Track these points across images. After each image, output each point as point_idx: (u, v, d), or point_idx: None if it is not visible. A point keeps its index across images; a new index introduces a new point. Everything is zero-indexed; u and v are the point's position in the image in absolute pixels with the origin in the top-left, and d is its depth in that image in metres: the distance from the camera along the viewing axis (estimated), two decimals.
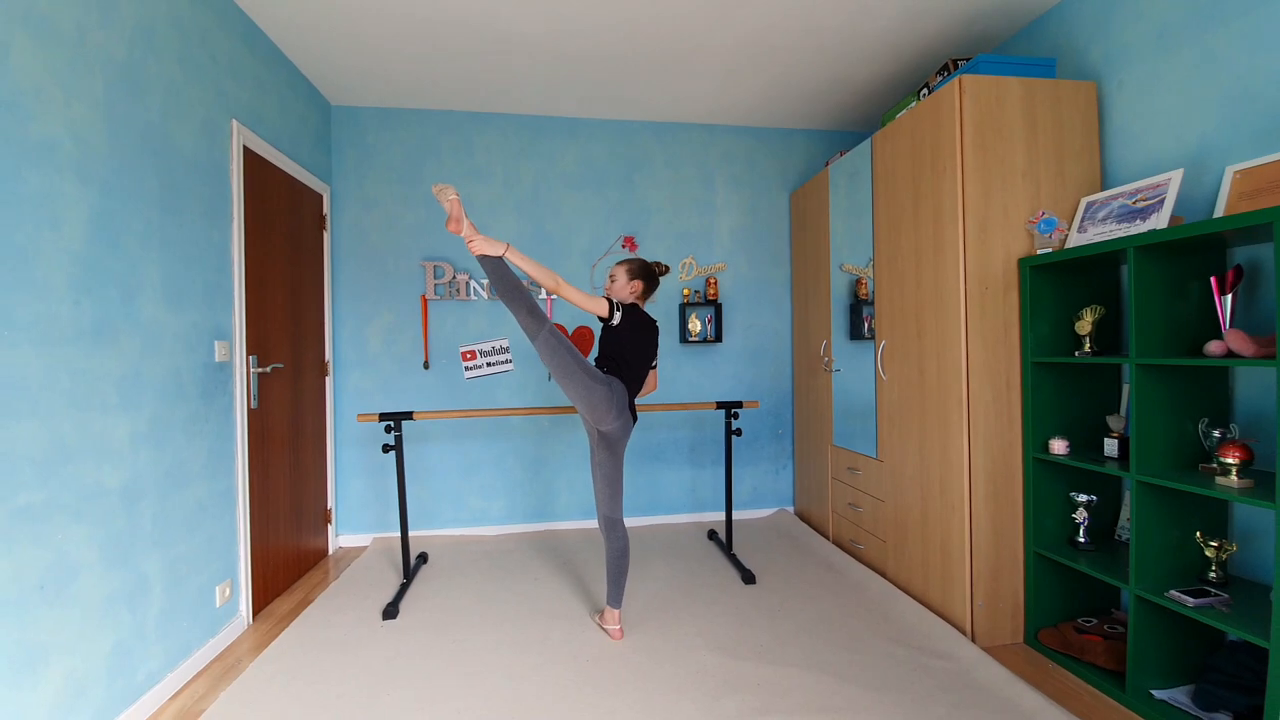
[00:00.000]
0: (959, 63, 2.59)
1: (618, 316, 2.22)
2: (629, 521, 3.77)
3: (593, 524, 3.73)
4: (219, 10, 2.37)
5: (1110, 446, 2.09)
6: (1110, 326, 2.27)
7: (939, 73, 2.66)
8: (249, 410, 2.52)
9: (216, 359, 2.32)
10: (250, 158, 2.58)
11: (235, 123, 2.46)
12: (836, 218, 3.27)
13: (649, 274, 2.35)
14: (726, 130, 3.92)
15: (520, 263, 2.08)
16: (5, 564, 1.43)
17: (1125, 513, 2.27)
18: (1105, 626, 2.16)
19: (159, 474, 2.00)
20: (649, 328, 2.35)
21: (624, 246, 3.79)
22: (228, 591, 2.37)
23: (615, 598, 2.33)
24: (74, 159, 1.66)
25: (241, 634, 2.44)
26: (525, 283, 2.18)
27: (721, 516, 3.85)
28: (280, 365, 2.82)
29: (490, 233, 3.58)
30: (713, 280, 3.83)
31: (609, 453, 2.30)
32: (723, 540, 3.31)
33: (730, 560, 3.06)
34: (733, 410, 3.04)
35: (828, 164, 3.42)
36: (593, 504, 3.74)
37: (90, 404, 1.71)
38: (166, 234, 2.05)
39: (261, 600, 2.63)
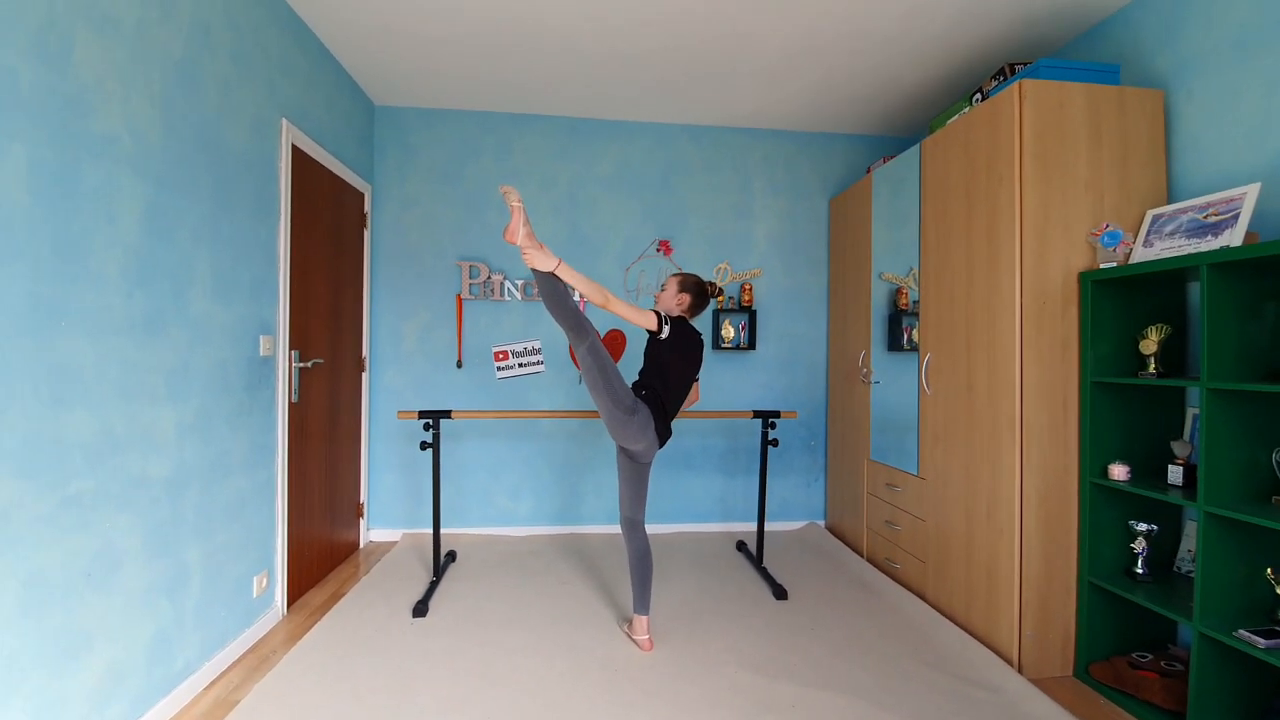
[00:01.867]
0: (1016, 67, 2.50)
1: (666, 330, 2.20)
2: (658, 527, 3.74)
3: (619, 529, 3.70)
4: (272, 9, 2.41)
5: (1174, 474, 1.98)
6: (1175, 347, 2.15)
7: (994, 77, 2.57)
8: (290, 404, 2.55)
9: (261, 353, 2.35)
10: (298, 156, 2.62)
11: (285, 121, 2.49)
12: (879, 225, 3.19)
13: (700, 291, 2.34)
14: (766, 134, 3.86)
15: (570, 278, 2.07)
16: (56, 551, 1.46)
17: (1186, 544, 2.15)
18: (1162, 663, 2.04)
19: (203, 465, 2.02)
20: (694, 343, 2.33)
21: (659, 250, 3.75)
22: (264, 582, 2.39)
23: (642, 603, 2.29)
24: (131, 153, 1.69)
25: (276, 625, 2.46)
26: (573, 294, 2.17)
27: (750, 527, 3.78)
28: (320, 360, 2.85)
29: None
30: (748, 286, 3.77)
31: (633, 462, 2.30)
32: (753, 552, 3.24)
33: (761, 574, 2.99)
34: (770, 420, 2.97)
35: (870, 169, 3.34)
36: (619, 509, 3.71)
37: (139, 394, 1.73)
38: (217, 229, 2.09)
39: (296, 592, 2.66)
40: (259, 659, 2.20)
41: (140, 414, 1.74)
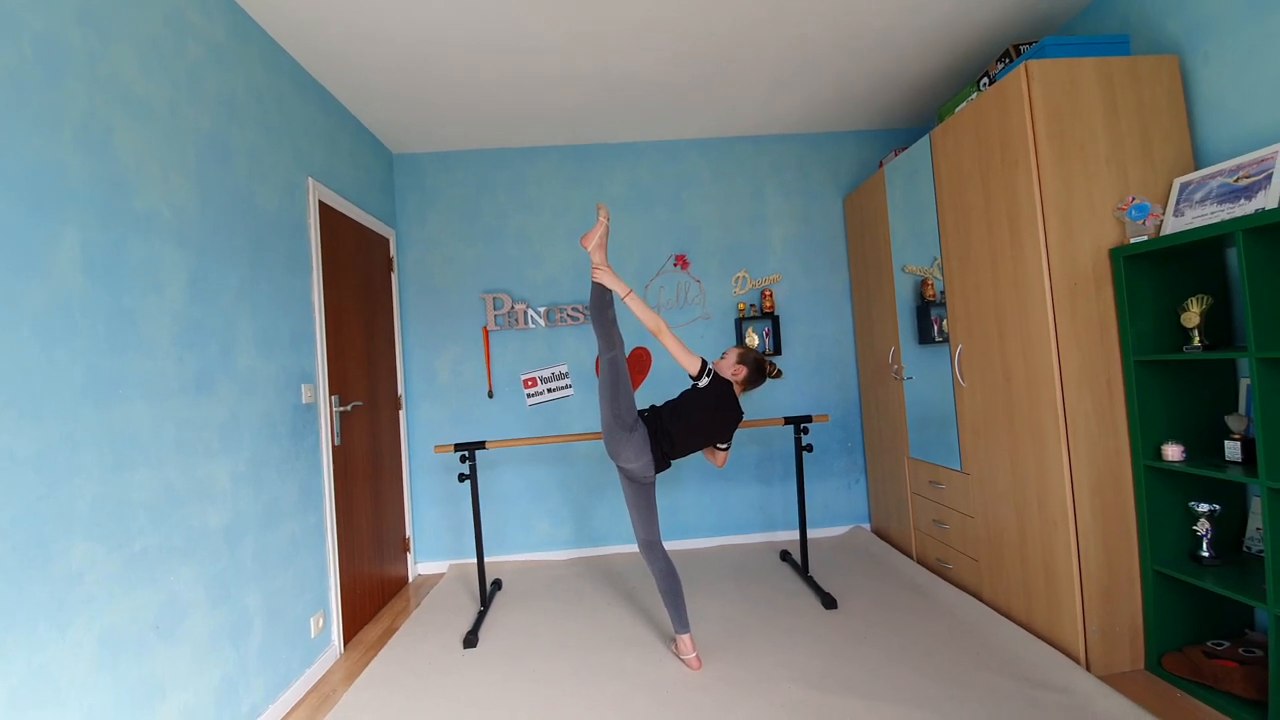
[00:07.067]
0: (1021, 48, 2.46)
1: (705, 381, 2.25)
2: (698, 541, 3.72)
3: None
4: (292, 77, 2.54)
5: (1231, 449, 1.89)
6: (1220, 317, 2.06)
7: (1000, 60, 2.54)
8: (333, 447, 2.65)
9: (304, 401, 2.45)
10: (325, 210, 2.74)
11: (311, 180, 2.62)
12: (896, 219, 3.15)
13: (758, 368, 2.35)
14: (774, 139, 3.87)
15: (635, 306, 2.22)
16: (125, 606, 1.54)
17: (1254, 522, 2.04)
18: (1240, 650, 1.93)
19: (257, 512, 2.11)
20: (730, 411, 2.31)
21: (676, 265, 3.78)
22: (321, 622, 2.47)
23: (680, 622, 2.28)
24: (172, 226, 1.80)
25: (334, 663, 2.53)
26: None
27: (793, 535, 3.72)
28: (359, 403, 2.95)
29: (544, 262, 3.75)
30: (768, 293, 3.76)
31: (634, 484, 2.33)
32: (797, 561, 3.19)
33: (807, 583, 2.94)
34: (802, 425, 2.95)
35: (882, 164, 3.31)
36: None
37: (195, 450, 1.83)
38: (256, 287, 2.20)
39: (351, 629, 2.73)
40: (320, 698, 2.26)
41: (197, 468, 1.83)
